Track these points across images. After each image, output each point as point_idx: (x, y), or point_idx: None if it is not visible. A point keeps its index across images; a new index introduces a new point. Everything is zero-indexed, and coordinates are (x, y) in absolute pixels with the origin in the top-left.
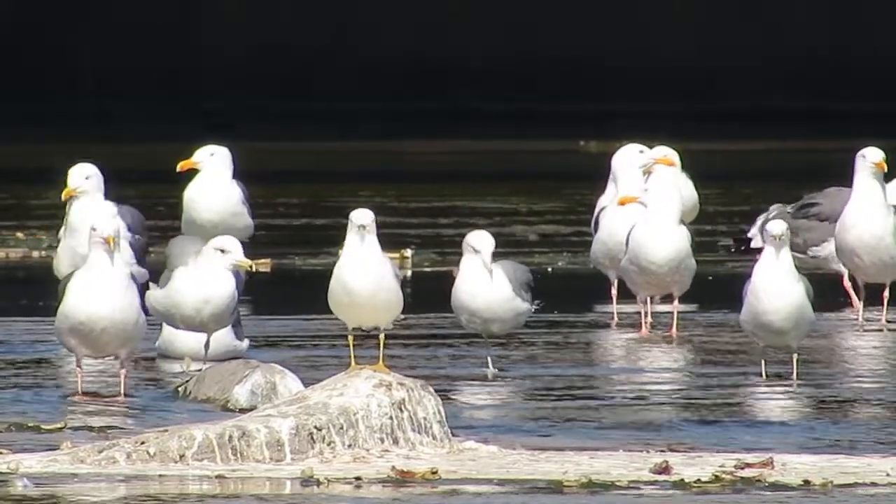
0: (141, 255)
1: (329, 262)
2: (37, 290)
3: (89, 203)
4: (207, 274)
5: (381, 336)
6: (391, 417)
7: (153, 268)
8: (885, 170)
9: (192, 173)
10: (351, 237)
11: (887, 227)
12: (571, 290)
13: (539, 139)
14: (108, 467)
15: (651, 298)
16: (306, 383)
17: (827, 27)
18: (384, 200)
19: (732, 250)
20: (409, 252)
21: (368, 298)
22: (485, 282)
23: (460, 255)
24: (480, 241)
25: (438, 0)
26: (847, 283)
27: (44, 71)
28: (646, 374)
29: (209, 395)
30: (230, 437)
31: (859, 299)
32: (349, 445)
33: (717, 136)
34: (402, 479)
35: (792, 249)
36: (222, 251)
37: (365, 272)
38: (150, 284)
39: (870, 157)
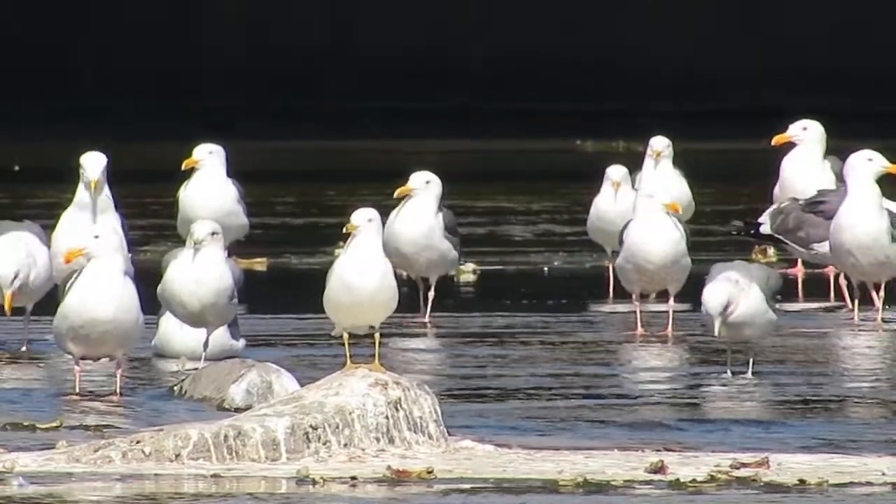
0: None
1: (326, 261)
2: None
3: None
4: (197, 259)
5: (377, 335)
6: (387, 417)
7: (147, 266)
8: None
9: (188, 172)
10: (358, 237)
11: (881, 228)
12: (568, 290)
13: (536, 139)
14: (104, 466)
15: (646, 297)
16: (302, 383)
17: (826, 27)
18: (383, 200)
19: (742, 234)
20: None
21: (370, 297)
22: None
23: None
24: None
25: (438, 0)
26: (842, 282)
27: (44, 71)
28: (641, 374)
29: (205, 394)
30: (226, 436)
31: (853, 299)
32: (345, 445)
33: (715, 135)
34: (397, 478)
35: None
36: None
37: (368, 271)
38: None
39: (878, 161)
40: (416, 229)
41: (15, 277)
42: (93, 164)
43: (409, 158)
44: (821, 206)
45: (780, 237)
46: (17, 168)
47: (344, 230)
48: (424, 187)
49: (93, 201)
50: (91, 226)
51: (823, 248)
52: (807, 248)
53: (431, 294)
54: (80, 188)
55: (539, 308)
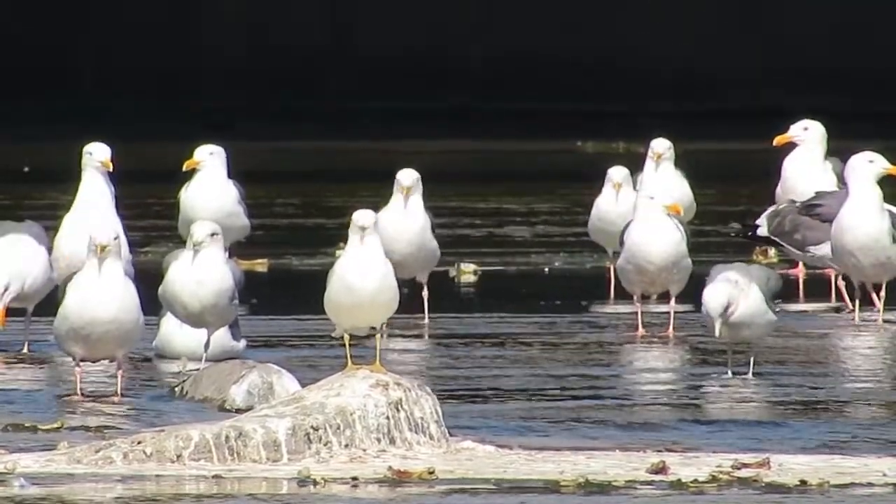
0: None
1: (326, 262)
2: None
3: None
4: (198, 261)
5: (378, 336)
6: (388, 417)
7: (148, 267)
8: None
9: (189, 173)
10: (353, 238)
11: (883, 229)
12: (568, 291)
13: (536, 139)
14: (105, 467)
15: (647, 298)
16: (303, 383)
17: (826, 27)
18: (382, 200)
19: (740, 236)
20: None
21: (371, 298)
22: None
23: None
24: None
25: (438, 0)
26: (841, 284)
27: (44, 71)
28: (642, 374)
29: (206, 395)
30: (227, 437)
31: (854, 299)
32: (346, 445)
33: (715, 135)
34: (398, 479)
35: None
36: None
37: (368, 272)
38: None
39: (879, 163)
40: (412, 229)
41: (5, 291)
42: (100, 147)
43: (409, 158)
44: (817, 209)
45: (777, 239)
46: (26, 169)
47: (360, 230)
48: (417, 185)
49: (105, 182)
50: (104, 219)
51: (819, 250)
52: (803, 251)
53: (426, 293)
54: (82, 187)
55: (540, 309)
